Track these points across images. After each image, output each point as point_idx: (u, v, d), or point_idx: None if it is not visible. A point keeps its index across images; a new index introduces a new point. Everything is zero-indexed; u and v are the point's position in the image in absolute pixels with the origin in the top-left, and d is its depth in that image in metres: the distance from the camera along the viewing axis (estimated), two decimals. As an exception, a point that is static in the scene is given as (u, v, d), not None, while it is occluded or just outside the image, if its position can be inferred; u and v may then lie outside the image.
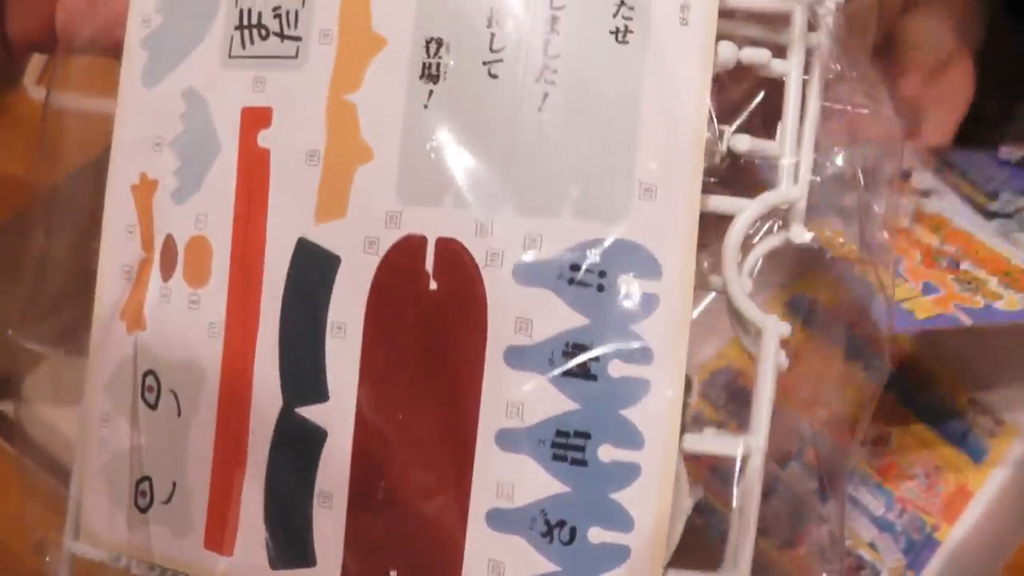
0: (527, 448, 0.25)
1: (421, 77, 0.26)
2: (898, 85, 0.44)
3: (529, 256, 0.25)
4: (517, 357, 0.25)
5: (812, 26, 0.29)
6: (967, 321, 0.40)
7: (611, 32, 0.26)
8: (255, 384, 0.27)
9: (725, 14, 0.28)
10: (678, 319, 0.25)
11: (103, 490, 0.29)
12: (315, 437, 0.27)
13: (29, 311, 0.33)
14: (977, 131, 0.48)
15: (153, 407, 0.29)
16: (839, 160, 0.28)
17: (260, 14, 0.28)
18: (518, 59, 0.26)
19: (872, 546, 0.45)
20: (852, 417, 0.41)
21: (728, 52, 0.27)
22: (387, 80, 0.27)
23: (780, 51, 0.29)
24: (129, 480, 0.29)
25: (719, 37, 0.27)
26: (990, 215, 0.47)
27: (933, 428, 0.47)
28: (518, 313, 0.25)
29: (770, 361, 0.27)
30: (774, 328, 0.27)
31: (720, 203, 0.27)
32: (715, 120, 0.28)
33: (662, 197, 0.25)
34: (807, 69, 0.29)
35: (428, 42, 0.27)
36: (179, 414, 0.28)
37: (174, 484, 0.28)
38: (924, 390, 0.47)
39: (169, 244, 0.29)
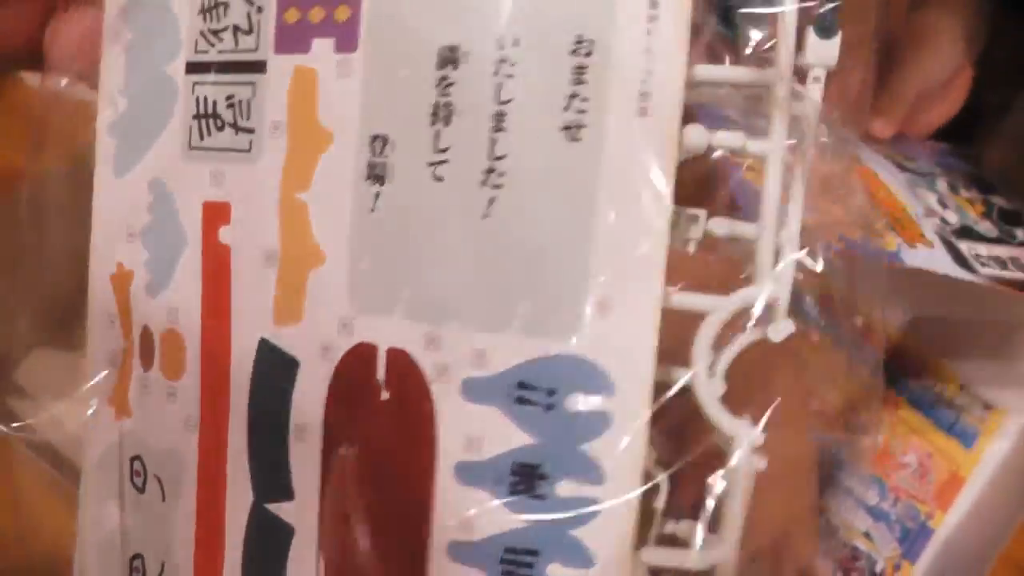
0: (478, 562, 0.25)
1: (367, 178, 0.26)
2: (896, 83, 0.45)
3: (477, 372, 0.25)
4: (466, 473, 0.25)
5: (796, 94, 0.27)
6: (839, 245, 0.36)
7: (562, 128, 0.24)
8: (228, 479, 0.28)
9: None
10: (632, 437, 0.24)
11: (100, 563, 0.31)
12: (284, 532, 0.27)
13: (27, 302, 0.33)
14: (977, 125, 0.50)
15: (141, 490, 0.30)
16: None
17: (215, 103, 0.28)
18: (463, 160, 0.25)
19: (867, 536, 0.45)
20: (847, 407, 0.41)
21: (697, 137, 0.25)
22: (336, 179, 0.26)
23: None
24: (122, 556, 0.30)
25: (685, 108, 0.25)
26: (903, 169, 0.47)
27: (924, 415, 0.47)
28: (467, 429, 0.25)
29: (741, 471, 0.25)
30: (747, 436, 0.25)
31: (687, 301, 0.25)
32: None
33: (618, 310, 0.24)
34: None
35: (373, 139, 0.25)
36: (163, 499, 0.29)
37: (163, 564, 0.30)
38: (915, 377, 0.47)
39: (147, 335, 0.29)
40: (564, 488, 0.24)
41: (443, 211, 0.25)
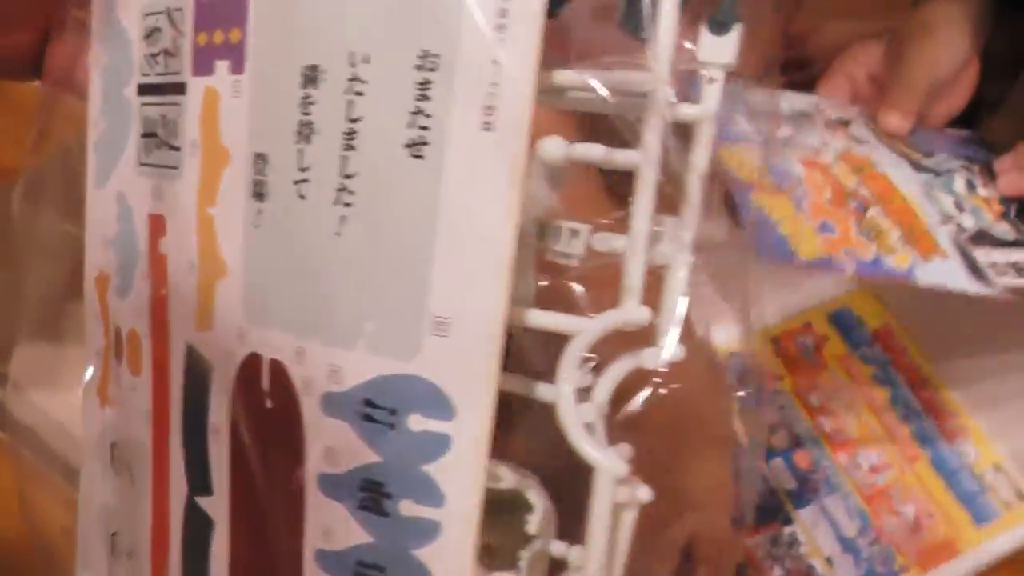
0: (337, 573, 0.26)
1: (252, 195, 0.27)
2: (881, 120, 0.47)
3: (332, 387, 0.26)
4: (327, 484, 0.26)
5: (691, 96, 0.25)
6: (850, 269, 0.42)
7: (405, 145, 0.24)
8: (171, 471, 0.31)
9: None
10: (472, 461, 0.24)
11: (95, 534, 0.36)
12: (207, 525, 0.30)
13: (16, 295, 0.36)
14: (975, 114, 0.50)
15: (118, 474, 0.34)
16: None
17: (155, 122, 0.31)
18: (321, 178, 0.26)
19: (829, 561, 0.45)
20: (858, 437, 0.47)
21: (554, 150, 0.24)
22: (233, 195, 0.28)
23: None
24: (106, 531, 0.35)
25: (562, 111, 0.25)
26: (920, 168, 0.46)
27: (943, 478, 0.46)
28: (326, 442, 0.26)
29: (604, 504, 0.25)
30: (609, 469, 0.25)
31: (547, 320, 0.25)
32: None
33: (457, 332, 0.24)
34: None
35: (256, 157, 0.27)
36: (132, 483, 0.33)
37: (132, 545, 0.34)
38: (948, 439, 0.47)
39: (118, 334, 0.33)
40: (406, 508, 0.25)
41: (306, 228, 0.26)
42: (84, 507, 0.36)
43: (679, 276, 0.25)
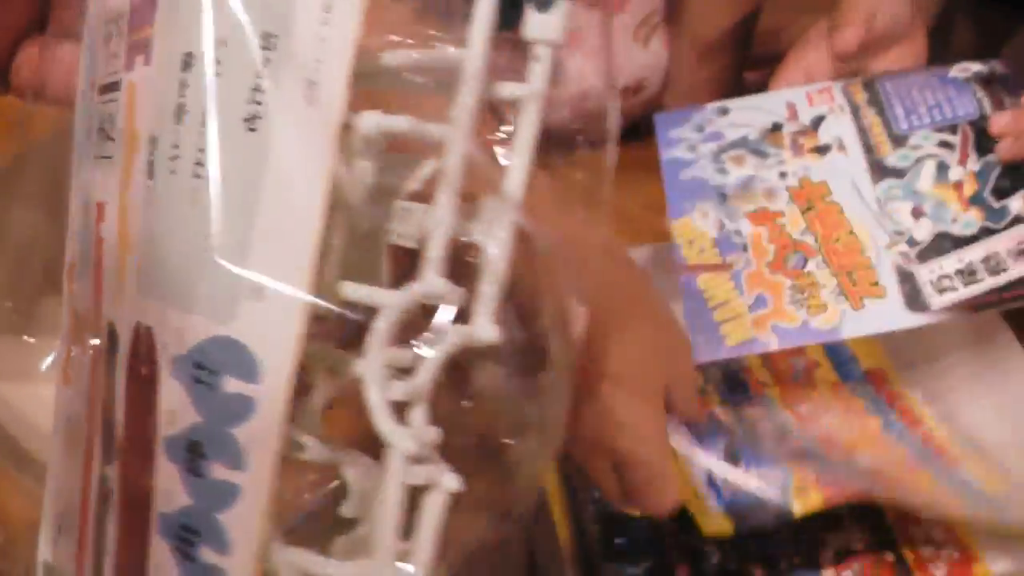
0: (168, 536, 0.28)
1: (147, 175, 0.30)
2: (835, 39, 0.47)
3: (175, 350, 0.28)
4: (168, 447, 0.28)
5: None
6: (773, 346, 0.44)
7: (244, 119, 0.27)
8: (95, 446, 0.34)
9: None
10: (272, 425, 0.26)
11: (53, 515, 0.39)
12: (108, 492, 0.33)
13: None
14: None
15: (66, 450, 0.38)
16: None
17: (105, 118, 0.35)
18: (186, 155, 0.28)
19: None
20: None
21: (369, 124, 0.26)
22: (138, 177, 0.31)
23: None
24: (58, 511, 0.38)
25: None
26: (883, 173, 0.47)
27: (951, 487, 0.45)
28: (168, 404, 0.28)
29: (395, 482, 0.25)
30: (400, 445, 0.25)
31: (357, 293, 0.26)
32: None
33: (270, 298, 0.26)
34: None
35: (150, 140, 0.30)
36: (72, 460, 0.37)
37: (71, 520, 0.37)
38: (951, 465, 0.45)
39: (75, 316, 0.37)
40: (217, 470, 0.26)
41: (174, 203, 0.29)
42: (49, 489, 0.40)
43: (492, 253, 0.25)
